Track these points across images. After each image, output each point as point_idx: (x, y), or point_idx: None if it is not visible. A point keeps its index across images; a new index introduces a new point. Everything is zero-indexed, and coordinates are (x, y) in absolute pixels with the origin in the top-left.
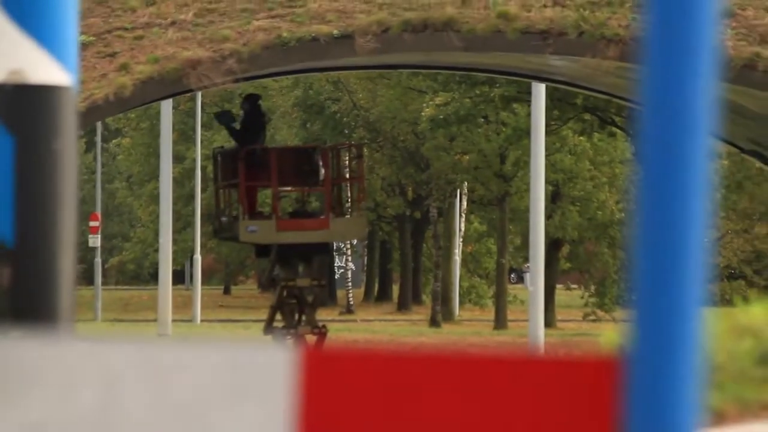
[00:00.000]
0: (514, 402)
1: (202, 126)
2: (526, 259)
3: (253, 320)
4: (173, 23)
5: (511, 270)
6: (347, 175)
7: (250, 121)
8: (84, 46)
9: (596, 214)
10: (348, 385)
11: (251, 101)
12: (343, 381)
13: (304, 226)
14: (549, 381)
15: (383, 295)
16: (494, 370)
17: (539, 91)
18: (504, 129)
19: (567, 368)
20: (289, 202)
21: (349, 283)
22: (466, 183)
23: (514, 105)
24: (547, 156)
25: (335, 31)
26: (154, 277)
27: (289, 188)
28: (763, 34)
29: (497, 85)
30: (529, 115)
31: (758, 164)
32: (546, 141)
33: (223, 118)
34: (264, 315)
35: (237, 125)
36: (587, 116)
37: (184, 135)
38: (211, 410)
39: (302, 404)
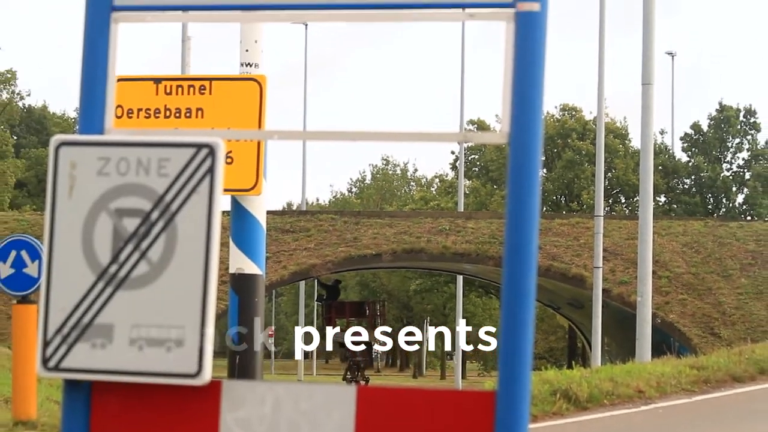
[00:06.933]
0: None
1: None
2: (454, 350)
3: (337, 374)
4: (305, 249)
5: (448, 354)
6: (378, 313)
7: (334, 290)
8: (267, 258)
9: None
10: (380, 402)
11: (335, 282)
12: (377, 400)
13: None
14: (460, 401)
15: (393, 365)
16: (434, 395)
17: (460, 278)
18: (444, 294)
19: (467, 395)
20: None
21: (379, 358)
22: (429, 317)
23: (449, 284)
24: (463, 307)
25: (373, 252)
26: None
27: (353, 318)
28: (553, 256)
29: (441, 276)
30: (455, 289)
31: (551, 311)
32: (463, 300)
33: (319, 299)
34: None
35: (324, 294)
36: (480, 289)
37: (309, 295)
38: (318, 412)
39: (359, 412)
